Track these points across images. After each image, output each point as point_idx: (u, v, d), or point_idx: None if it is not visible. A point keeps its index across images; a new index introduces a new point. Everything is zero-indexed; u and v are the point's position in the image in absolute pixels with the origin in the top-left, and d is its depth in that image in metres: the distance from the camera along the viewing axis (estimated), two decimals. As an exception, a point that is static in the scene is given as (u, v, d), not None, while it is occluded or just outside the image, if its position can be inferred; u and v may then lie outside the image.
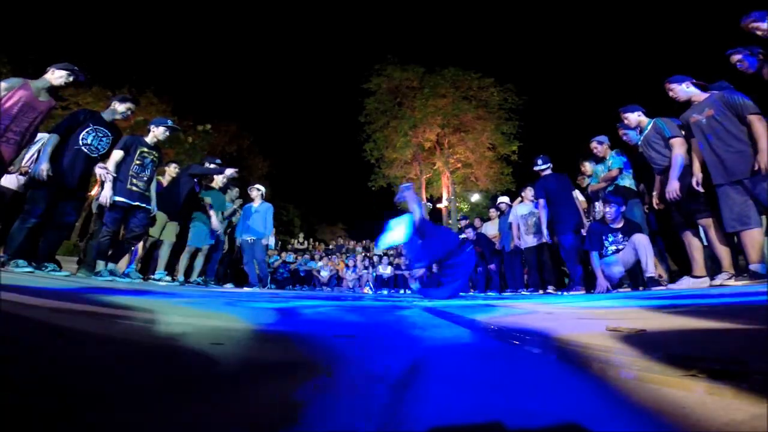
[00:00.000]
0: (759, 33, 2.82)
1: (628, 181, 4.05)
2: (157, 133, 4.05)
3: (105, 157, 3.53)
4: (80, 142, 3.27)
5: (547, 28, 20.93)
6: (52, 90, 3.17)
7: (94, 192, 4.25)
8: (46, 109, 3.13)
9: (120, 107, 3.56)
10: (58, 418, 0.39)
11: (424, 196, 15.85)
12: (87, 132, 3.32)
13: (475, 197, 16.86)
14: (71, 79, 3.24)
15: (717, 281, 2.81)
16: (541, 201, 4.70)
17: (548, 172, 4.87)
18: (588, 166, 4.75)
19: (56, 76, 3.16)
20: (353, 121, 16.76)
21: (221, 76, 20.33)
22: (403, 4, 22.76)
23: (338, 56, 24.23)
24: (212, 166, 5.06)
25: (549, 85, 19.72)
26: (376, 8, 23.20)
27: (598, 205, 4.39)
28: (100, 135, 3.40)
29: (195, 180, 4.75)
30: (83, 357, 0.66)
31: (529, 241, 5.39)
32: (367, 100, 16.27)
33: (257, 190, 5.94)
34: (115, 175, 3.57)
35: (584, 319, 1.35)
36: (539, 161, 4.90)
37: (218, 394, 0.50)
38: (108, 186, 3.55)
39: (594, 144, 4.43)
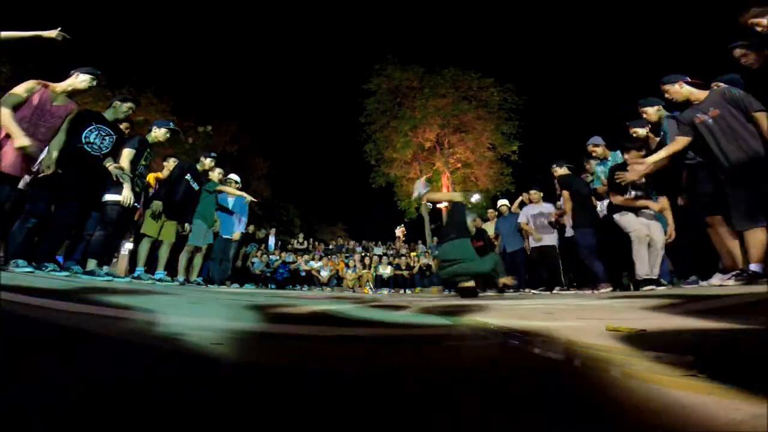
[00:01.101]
0: (759, 29, 2.78)
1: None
2: (158, 134, 4.06)
3: (107, 156, 3.51)
4: (83, 141, 3.27)
5: (547, 28, 20.92)
6: (74, 93, 3.18)
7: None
8: (65, 114, 3.09)
9: (122, 107, 3.56)
10: (57, 418, 0.39)
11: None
12: (89, 130, 3.31)
13: (475, 197, 16.87)
14: (95, 83, 3.26)
15: (716, 281, 2.80)
16: (566, 193, 4.61)
17: (568, 172, 4.90)
18: (593, 164, 4.72)
19: (80, 80, 3.17)
20: (353, 121, 16.78)
21: (221, 76, 20.31)
22: (403, 4, 22.74)
23: (338, 57, 24.23)
24: (208, 160, 4.97)
25: (549, 85, 19.71)
26: (376, 8, 23.17)
27: (600, 205, 4.40)
28: (103, 134, 3.40)
29: (188, 178, 4.62)
30: (83, 357, 0.66)
31: (537, 240, 5.52)
32: (367, 101, 16.28)
33: (235, 183, 5.88)
34: (131, 176, 3.59)
35: (584, 319, 1.35)
36: (560, 169, 4.89)
37: (218, 394, 0.50)
38: (127, 187, 3.54)
39: (591, 147, 4.42)
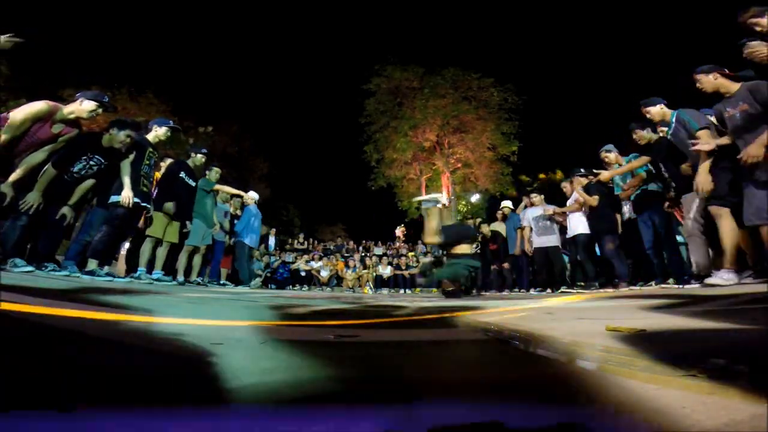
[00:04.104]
0: (758, 29, 2.74)
1: (653, 186, 3.93)
2: (159, 133, 4.04)
3: (86, 178, 3.38)
4: (69, 170, 3.21)
5: (547, 27, 20.92)
6: (77, 119, 3.10)
7: None
8: (53, 140, 3.01)
9: (119, 135, 3.41)
10: (57, 418, 0.39)
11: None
12: (79, 161, 3.26)
13: (475, 197, 16.86)
14: (100, 111, 3.18)
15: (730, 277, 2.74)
16: (596, 198, 4.71)
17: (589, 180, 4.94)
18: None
19: (85, 107, 3.09)
20: (353, 121, 16.77)
21: (222, 76, 20.28)
22: (403, 5, 22.73)
23: (338, 57, 24.18)
24: (199, 156, 4.89)
25: (549, 85, 19.70)
26: (376, 9, 23.15)
27: (625, 207, 4.43)
28: (92, 163, 3.33)
29: (182, 176, 4.58)
30: (83, 357, 0.66)
31: (539, 242, 5.58)
32: (368, 101, 16.26)
33: (252, 200, 6.06)
34: (128, 179, 3.53)
35: (584, 319, 1.35)
36: (584, 178, 4.95)
37: (217, 395, 0.50)
38: (128, 185, 3.50)
39: (603, 154, 4.41)
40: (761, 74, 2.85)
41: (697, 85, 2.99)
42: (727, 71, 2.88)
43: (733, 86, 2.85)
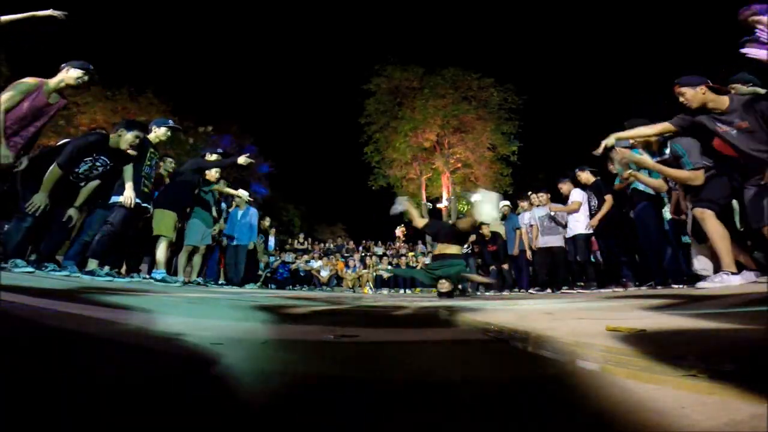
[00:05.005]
0: (759, 27, 2.72)
1: (645, 186, 3.91)
2: (159, 133, 4.03)
3: (91, 179, 3.40)
4: (74, 171, 3.20)
5: (547, 28, 20.90)
6: (65, 89, 3.09)
7: None
8: (56, 111, 3.03)
9: (127, 136, 3.37)
10: (56, 418, 0.39)
11: (424, 196, 15.86)
12: (84, 162, 3.24)
13: (474, 197, 16.85)
14: (87, 78, 3.15)
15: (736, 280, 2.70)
16: (610, 197, 4.74)
17: (597, 178, 4.99)
18: (616, 166, 4.77)
19: (72, 75, 3.08)
20: (353, 121, 16.78)
21: (222, 76, 20.27)
22: (403, 5, 22.71)
23: (339, 57, 24.16)
24: (214, 157, 4.94)
25: (549, 85, 19.66)
26: (376, 9, 23.13)
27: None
28: (98, 164, 3.31)
29: (200, 177, 4.64)
30: (83, 357, 0.66)
31: (545, 241, 5.62)
32: (368, 101, 16.28)
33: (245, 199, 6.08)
34: (132, 180, 3.53)
35: (584, 319, 1.35)
36: (592, 176, 4.99)
37: (216, 395, 0.50)
38: (130, 186, 3.49)
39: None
40: (760, 75, 2.83)
41: (681, 99, 2.71)
42: (711, 83, 2.65)
43: (723, 100, 2.63)
